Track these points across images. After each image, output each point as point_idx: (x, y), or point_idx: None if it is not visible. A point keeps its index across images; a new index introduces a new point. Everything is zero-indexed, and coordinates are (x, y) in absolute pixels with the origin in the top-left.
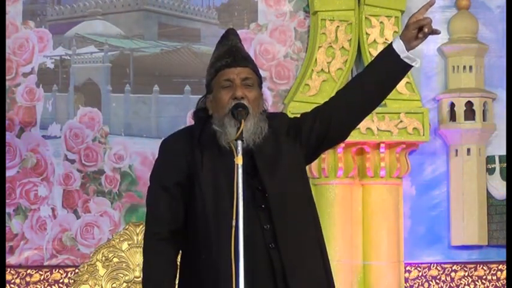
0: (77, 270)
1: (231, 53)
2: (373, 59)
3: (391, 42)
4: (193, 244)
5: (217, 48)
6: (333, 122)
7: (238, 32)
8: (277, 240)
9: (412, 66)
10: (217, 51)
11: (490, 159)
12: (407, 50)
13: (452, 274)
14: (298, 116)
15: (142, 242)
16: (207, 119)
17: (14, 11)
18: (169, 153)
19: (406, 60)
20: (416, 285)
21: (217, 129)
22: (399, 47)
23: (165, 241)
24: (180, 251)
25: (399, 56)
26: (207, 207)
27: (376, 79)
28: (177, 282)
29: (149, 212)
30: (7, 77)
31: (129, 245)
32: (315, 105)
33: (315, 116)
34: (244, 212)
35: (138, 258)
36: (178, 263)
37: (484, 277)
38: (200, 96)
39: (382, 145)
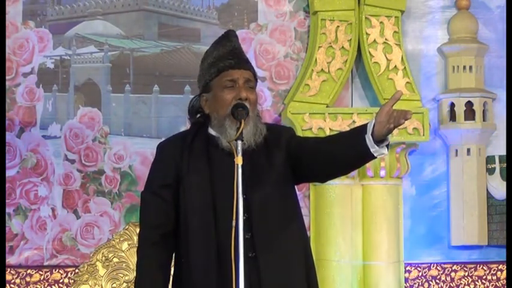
0: (77, 270)
1: (234, 54)
2: (345, 138)
3: (364, 134)
4: (178, 246)
5: (216, 48)
6: (302, 164)
7: (238, 32)
8: (256, 250)
9: (376, 157)
10: (217, 52)
11: (490, 159)
12: (378, 138)
13: (452, 274)
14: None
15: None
16: (203, 124)
17: (14, 11)
18: (161, 158)
19: (375, 153)
20: (416, 285)
21: (214, 134)
22: (370, 142)
23: (156, 245)
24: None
25: (369, 149)
26: (189, 212)
27: (344, 161)
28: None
29: (140, 216)
30: (7, 77)
31: (129, 245)
32: (314, 105)
33: (295, 147)
34: (228, 221)
35: None
36: (171, 266)
37: (484, 277)
38: None
39: None
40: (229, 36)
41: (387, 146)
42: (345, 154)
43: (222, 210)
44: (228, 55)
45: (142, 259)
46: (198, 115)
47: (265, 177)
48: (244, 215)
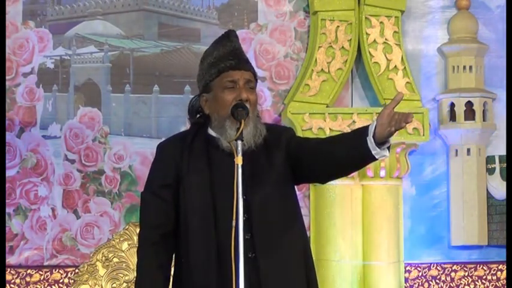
0: (77, 270)
1: (234, 55)
2: (346, 139)
3: (366, 136)
4: (178, 246)
5: (216, 48)
6: (302, 164)
7: (238, 32)
8: (256, 251)
9: (377, 159)
10: (218, 52)
11: (490, 159)
12: (380, 141)
13: (452, 274)
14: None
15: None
16: (203, 124)
17: (14, 11)
18: (160, 158)
19: (376, 155)
20: (416, 285)
21: (214, 135)
22: (372, 144)
23: (156, 245)
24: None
25: (370, 151)
26: (189, 212)
27: (345, 162)
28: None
29: (140, 216)
30: (7, 77)
31: (129, 245)
32: (314, 105)
33: (295, 147)
34: (228, 221)
35: None
36: (171, 266)
37: (484, 277)
38: None
39: None
40: (229, 36)
41: (388, 148)
42: (346, 155)
43: (222, 210)
44: (228, 55)
45: (142, 259)
46: (198, 115)
47: (265, 178)
48: (244, 216)
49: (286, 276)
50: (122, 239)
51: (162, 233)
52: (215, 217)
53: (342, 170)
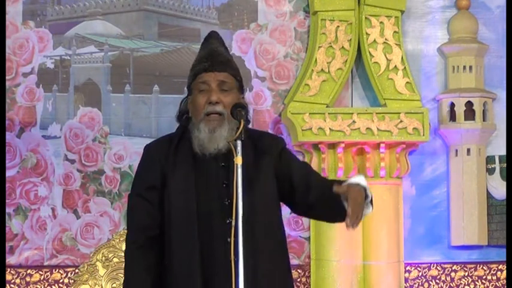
0: (77, 270)
1: (209, 57)
2: (329, 199)
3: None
4: (163, 249)
5: (199, 51)
6: (284, 190)
7: (238, 32)
8: (237, 255)
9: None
10: (199, 54)
11: (490, 159)
12: None
13: (452, 274)
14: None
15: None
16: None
17: (14, 11)
18: (147, 160)
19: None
20: (416, 285)
21: (192, 136)
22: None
23: (142, 249)
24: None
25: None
26: (172, 215)
27: (323, 218)
28: None
29: (127, 220)
30: (7, 77)
31: None
32: (314, 105)
33: (281, 170)
34: (210, 225)
35: None
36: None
37: (484, 277)
38: None
39: (382, 145)
40: (209, 38)
41: (371, 201)
42: (326, 214)
43: (206, 214)
44: (204, 58)
45: (130, 262)
46: (185, 117)
47: (252, 184)
48: (228, 219)
49: (268, 281)
50: (121, 239)
51: (149, 235)
52: (198, 220)
53: (316, 218)
